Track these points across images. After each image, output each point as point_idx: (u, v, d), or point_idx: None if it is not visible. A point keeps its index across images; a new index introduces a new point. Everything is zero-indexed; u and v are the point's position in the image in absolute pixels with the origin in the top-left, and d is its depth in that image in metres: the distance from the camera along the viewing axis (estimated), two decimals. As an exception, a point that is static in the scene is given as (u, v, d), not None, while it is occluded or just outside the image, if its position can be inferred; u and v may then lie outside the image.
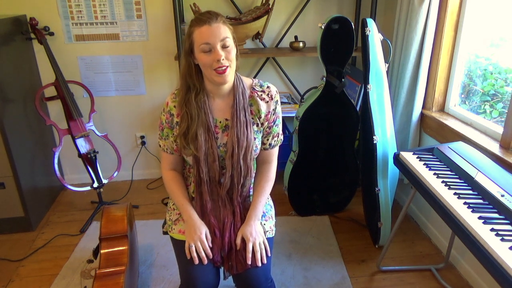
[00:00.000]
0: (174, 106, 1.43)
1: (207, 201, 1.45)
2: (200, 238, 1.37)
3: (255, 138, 1.44)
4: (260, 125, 1.46)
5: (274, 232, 1.54)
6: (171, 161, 1.52)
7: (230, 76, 1.34)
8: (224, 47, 1.29)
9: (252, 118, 1.44)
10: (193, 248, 1.36)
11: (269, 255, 1.42)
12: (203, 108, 1.39)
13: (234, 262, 1.39)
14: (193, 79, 1.38)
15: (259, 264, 1.36)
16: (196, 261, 1.35)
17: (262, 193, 1.49)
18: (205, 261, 1.36)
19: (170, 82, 2.82)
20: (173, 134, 1.45)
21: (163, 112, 1.47)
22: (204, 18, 1.29)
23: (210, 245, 1.39)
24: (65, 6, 2.55)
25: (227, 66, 1.31)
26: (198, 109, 1.38)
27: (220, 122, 1.43)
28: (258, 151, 1.48)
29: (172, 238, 1.52)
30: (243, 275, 1.37)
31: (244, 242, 1.40)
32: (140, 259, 2.16)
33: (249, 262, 1.35)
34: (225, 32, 1.29)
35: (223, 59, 1.29)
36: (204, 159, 1.40)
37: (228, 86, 1.40)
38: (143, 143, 2.98)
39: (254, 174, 1.54)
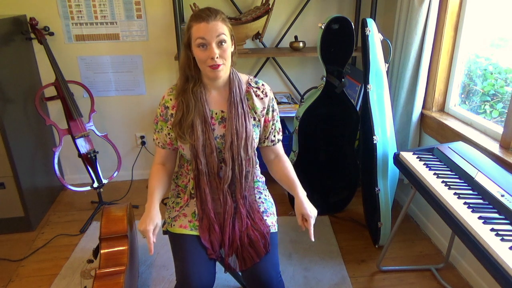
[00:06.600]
0: (170, 99, 1.45)
1: (207, 193, 1.46)
2: (148, 231, 1.32)
3: (253, 129, 1.46)
4: (257, 119, 1.48)
5: (276, 227, 1.55)
6: (162, 155, 1.54)
7: (223, 72, 1.37)
8: (219, 44, 1.32)
9: (249, 112, 1.46)
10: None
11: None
12: (199, 99, 1.41)
13: (242, 258, 1.41)
14: (191, 70, 1.41)
15: (313, 239, 1.35)
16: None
17: (290, 170, 1.54)
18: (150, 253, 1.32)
19: (170, 82, 2.82)
20: (167, 127, 1.47)
21: (159, 105, 1.50)
22: (203, 15, 1.31)
23: (155, 240, 1.35)
24: (65, 6, 2.55)
25: (221, 64, 1.33)
26: (194, 99, 1.40)
27: (216, 113, 1.45)
28: (256, 144, 1.50)
29: (171, 234, 1.53)
30: (253, 271, 1.39)
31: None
32: (140, 259, 2.16)
33: (312, 239, 1.35)
34: (222, 29, 1.31)
35: (217, 57, 1.31)
36: (202, 150, 1.42)
37: (224, 79, 1.43)
38: (143, 143, 2.98)
39: (257, 167, 1.58)
